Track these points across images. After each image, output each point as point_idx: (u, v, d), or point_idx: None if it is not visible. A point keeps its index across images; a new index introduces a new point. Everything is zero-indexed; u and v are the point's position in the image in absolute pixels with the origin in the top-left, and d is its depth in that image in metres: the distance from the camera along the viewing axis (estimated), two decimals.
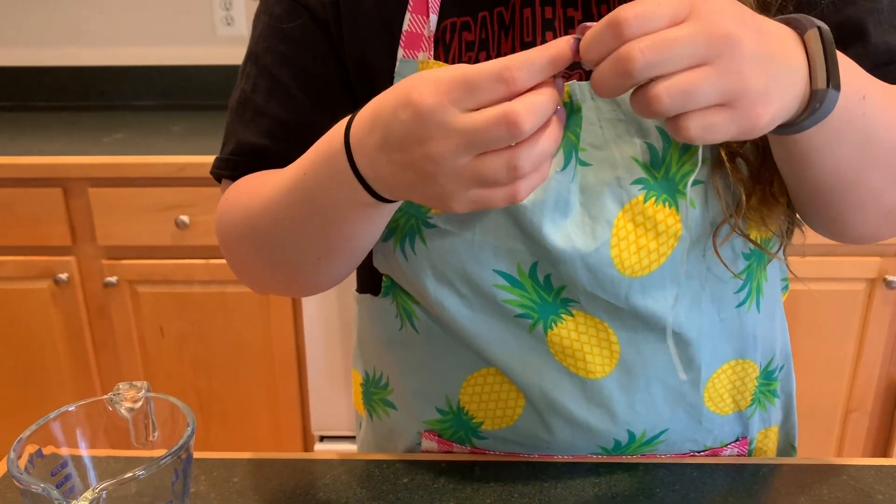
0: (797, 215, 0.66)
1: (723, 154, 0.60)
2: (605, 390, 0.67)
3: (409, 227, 0.65)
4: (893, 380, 1.79)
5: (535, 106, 0.45)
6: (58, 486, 0.57)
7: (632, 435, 0.69)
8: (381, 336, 0.75)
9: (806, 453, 1.77)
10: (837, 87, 0.47)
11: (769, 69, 0.45)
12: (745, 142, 0.60)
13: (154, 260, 1.75)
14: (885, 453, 1.85)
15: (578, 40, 0.46)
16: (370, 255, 0.70)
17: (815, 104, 0.48)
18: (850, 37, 0.60)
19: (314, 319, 1.76)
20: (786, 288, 0.76)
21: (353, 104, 0.64)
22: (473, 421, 0.71)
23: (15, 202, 1.70)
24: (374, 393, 0.78)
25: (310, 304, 1.74)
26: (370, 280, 0.74)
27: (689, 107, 0.44)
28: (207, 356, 1.82)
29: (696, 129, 0.44)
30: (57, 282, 1.74)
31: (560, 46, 0.45)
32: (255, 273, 0.69)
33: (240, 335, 1.80)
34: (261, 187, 0.64)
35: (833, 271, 1.70)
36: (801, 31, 0.48)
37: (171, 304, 1.78)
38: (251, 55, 0.69)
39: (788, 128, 0.50)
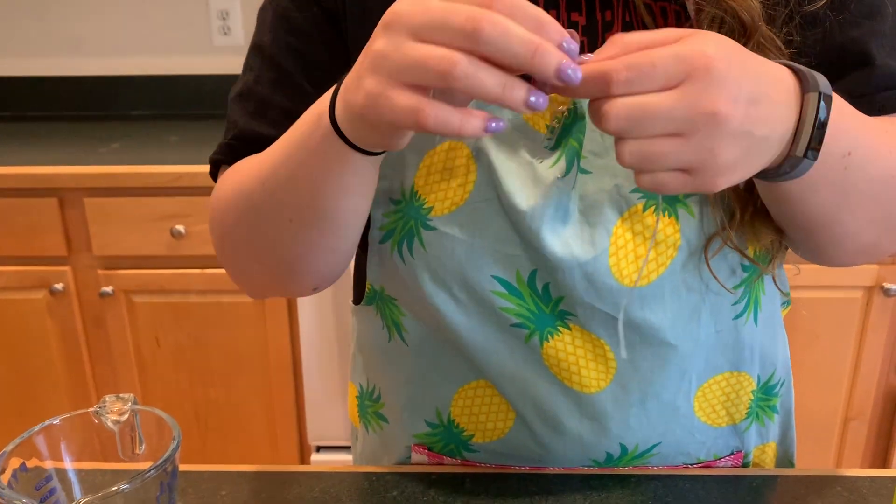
0: None
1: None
2: (599, 405, 0.66)
3: (407, 229, 0.64)
4: (892, 388, 1.78)
5: (505, 24, 0.41)
6: (42, 500, 0.57)
7: (624, 448, 0.68)
8: (371, 348, 0.74)
9: (805, 463, 1.76)
10: (814, 158, 0.47)
11: (747, 144, 0.45)
12: None
13: (150, 270, 1.74)
14: (884, 462, 1.84)
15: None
16: (365, 262, 0.70)
17: (787, 168, 0.48)
18: (854, 60, 0.59)
19: (311, 330, 1.75)
20: (787, 304, 0.75)
21: None
22: (464, 434, 0.71)
23: (10, 212, 1.70)
24: (368, 406, 0.77)
25: (306, 315, 1.74)
26: (362, 290, 0.73)
27: (649, 169, 0.44)
28: (203, 367, 1.81)
29: (646, 183, 0.45)
30: (52, 292, 1.74)
31: (552, 28, 0.43)
32: (245, 258, 0.67)
33: (236, 345, 1.80)
34: (254, 160, 0.63)
35: (831, 279, 1.69)
36: (804, 87, 0.48)
37: (167, 315, 1.77)
38: (255, 48, 0.68)
39: (762, 177, 0.50)
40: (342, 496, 0.68)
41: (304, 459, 1.89)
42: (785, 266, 0.71)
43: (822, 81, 0.48)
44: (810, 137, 0.47)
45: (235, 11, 2.11)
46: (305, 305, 1.73)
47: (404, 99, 0.44)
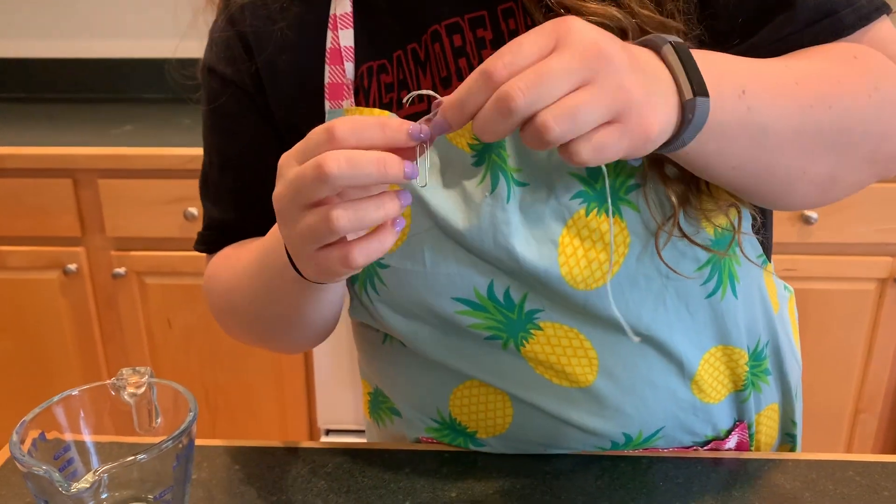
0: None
1: (646, 163, 0.60)
2: (593, 397, 0.66)
3: (366, 271, 0.66)
4: None
5: (349, 156, 0.45)
6: (60, 470, 0.58)
7: (628, 437, 0.69)
8: (369, 351, 0.76)
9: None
10: (705, 94, 0.47)
11: (645, 80, 0.45)
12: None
13: (162, 252, 1.75)
14: (894, 454, 1.83)
15: (420, 124, 0.47)
16: None
17: (688, 115, 0.47)
18: (774, 6, 0.58)
19: None
20: (765, 261, 0.71)
21: None
22: (468, 430, 0.71)
23: (25, 193, 1.71)
24: (381, 402, 0.78)
25: None
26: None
27: (579, 129, 0.43)
28: (214, 348, 1.82)
29: (588, 152, 0.44)
30: (66, 272, 1.75)
31: (395, 127, 0.47)
32: (242, 337, 0.77)
33: None
34: (235, 263, 0.70)
35: (843, 271, 1.69)
36: (656, 49, 0.48)
37: (178, 296, 1.78)
38: (203, 131, 0.74)
39: (671, 145, 0.49)
40: (355, 471, 0.68)
41: None
42: (782, 259, 0.70)
43: (666, 36, 0.49)
44: (688, 78, 0.47)
45: None
46: None
47: (329, 255, 0.49)
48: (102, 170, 1.69)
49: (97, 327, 1.82)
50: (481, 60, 0.62)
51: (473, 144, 0.61)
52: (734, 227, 0.63)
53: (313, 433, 1.91)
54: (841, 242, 1.67)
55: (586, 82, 0.43)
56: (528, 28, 0.60)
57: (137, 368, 0.63)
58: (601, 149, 0.44)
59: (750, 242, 0.67)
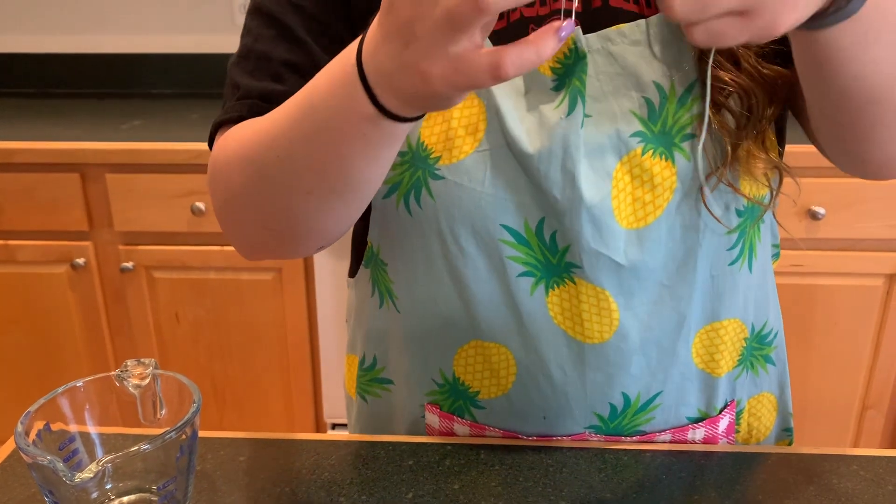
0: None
1: (708, 108, 0.60)
2: (602, 355, 0.66)
3: (415, 180, 0.64)
4: None
5: None
6: (65, 461, 0.58)
7: (627, 399, 0.69)
8: (367, 316, 0.75)
9: None
10: None
11: None
12: (730, 94, 0.60)
13: (170, 246, 1.76)
14: None
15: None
16: (362, 230, 0.70)
17: (842, 2, 0.44)
18: None
19: (328, 307, 1.76)
20: (777, 255, 0.75)
21: None
22: (471, 391, 0.71)
23: (34, 187, 1.72)
24: (363, 375, 0.78)
25: (323, 292, 1.75)
26: (358, 261, 0.74)
27: (702, 16, 0.40)
28: (222, 342, 1.83)
29: (702, 36, 0.41)
30: (74, 266, 1.76)
31: None
32: (250, 224, 0.63)
33: (254, 322, 1.81)
34: (262, 122, 0.58)
35: (851, 266, 1.68)
36: None
37: (186, 290, 1.79)
38: (253, 10, 0.66)
39: (811, 24, 0.46)
40: (358, 464, 0.68)
41: None
42: (790, 255, 0.72)
43: None
44: None
45: None
46: (323, 281, 1.74)
47: (477, 60, 0.41)
48: (111, 164, 1.70)
49: (105, 321, 1.83)
50: None
51: (555, 68, 0.61)
52: (771, 189, 0.64)
53: (319, 427, 1.91)
54: (849, 238, 1.66)
55: None
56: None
57: (142, 360, 0.63)
58: (718, 36, 0.42)
59: (771, 229, 0.69)
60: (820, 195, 1.62)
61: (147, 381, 0.62)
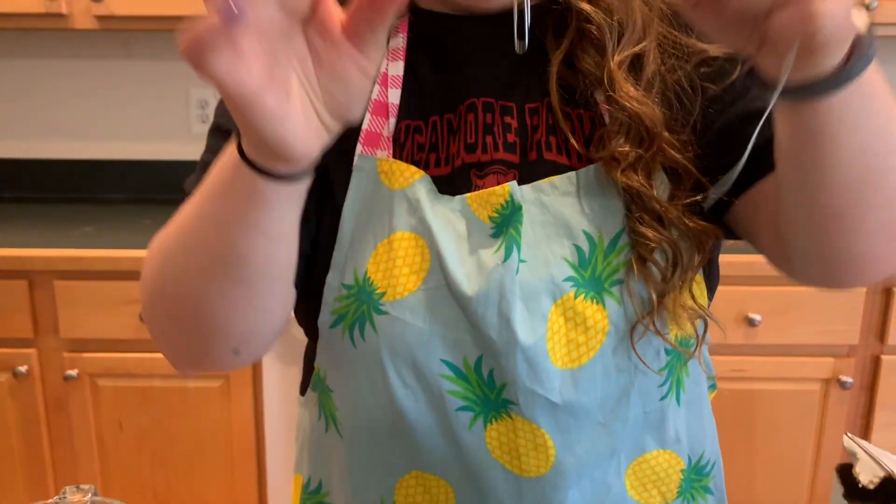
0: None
1: (633, 259, 0.64)
2: (539, 489, 0.68)
3: (360, 314, 0.66)
4: None
5: None
6: None
7: None
8: (312, 439, 0.76)
9: None
10: (867, 61, 0.47)
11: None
12: (654, 248, 0.64)
13: (116, 353, 1.74)
14: None
15: None
16: (313, 350, 0.72)
17: (863, 47, 0.46)
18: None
19: (275, 416, 1.74)
20: (713, 387, 0.78)
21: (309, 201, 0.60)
22: None
23: None
24: (308, 498, 0.78)
25: (271, 402, 1.73)
26: (308, 379, 0.75)
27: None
28: (166, 451, 1.79)
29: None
30: (16, 374, 1.72)
31: None
32: (164, 318, 0.62)
33: (199, 430, 1.78)
34: (177, 215, 0.60)
35: (788, 371, 1.73)
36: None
37: (131, 398, 1.76)
38: (213, 128, 0.70)
39: (823, 88, 0.47)
40: None
41: None
42: (730, 360, 0.74)
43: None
44: (861, 44, 0.46)
45: (214, 101, 2.17)
46: (272, 385, 1.73)
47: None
48: (59, 271, 1.69)
49: (45, 431, 1.78)
50: (505, 142, 0.66)
51: (494, 217, 0.65)
52: (697, 336, 0.68)
53: None
54: (785, 344, 1.72)
55: None
56: (548, 127, 0.66)
57: (81, 486, 0.63)
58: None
59: (706, 362, 0.72)
60: (756, 302, 1.69)
61: None
